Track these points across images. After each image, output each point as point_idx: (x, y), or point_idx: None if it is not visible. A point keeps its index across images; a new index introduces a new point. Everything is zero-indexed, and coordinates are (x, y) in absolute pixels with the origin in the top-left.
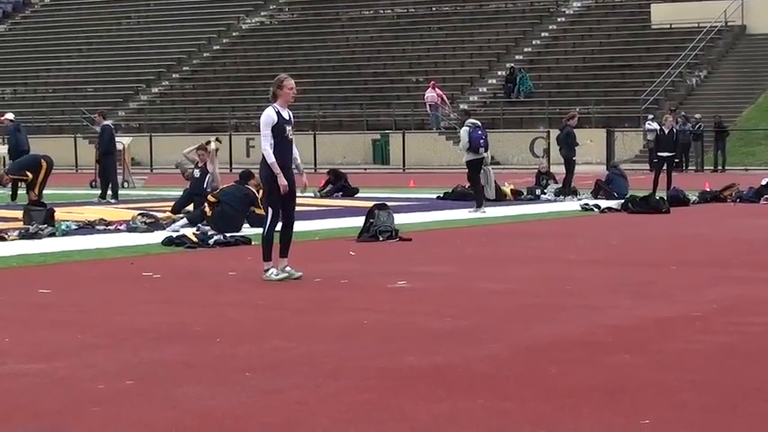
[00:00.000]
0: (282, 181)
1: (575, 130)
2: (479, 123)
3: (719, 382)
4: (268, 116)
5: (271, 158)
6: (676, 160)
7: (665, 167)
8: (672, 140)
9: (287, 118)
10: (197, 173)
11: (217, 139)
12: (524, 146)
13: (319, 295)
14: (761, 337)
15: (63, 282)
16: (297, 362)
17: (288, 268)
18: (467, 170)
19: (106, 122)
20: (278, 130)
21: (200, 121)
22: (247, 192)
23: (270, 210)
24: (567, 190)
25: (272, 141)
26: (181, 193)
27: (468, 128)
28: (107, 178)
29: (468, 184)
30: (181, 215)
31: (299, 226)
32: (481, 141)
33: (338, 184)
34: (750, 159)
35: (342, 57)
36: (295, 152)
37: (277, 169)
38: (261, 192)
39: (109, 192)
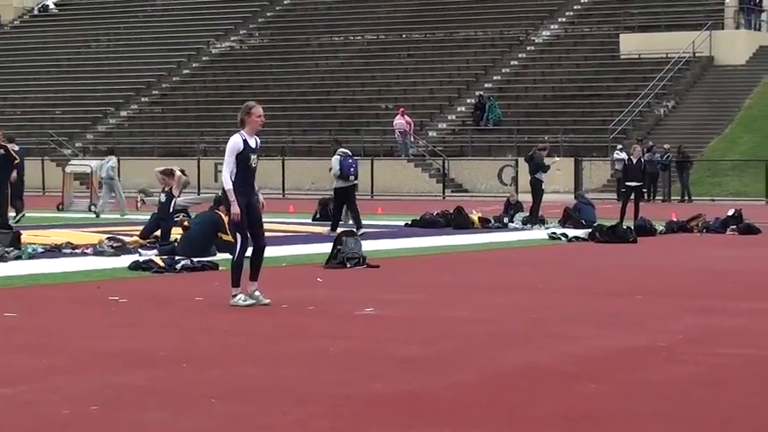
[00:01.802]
0: (235, 209)
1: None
2: (350, 153)
3: (686, 412)
4: (235, 143)
5: (228, 185)
6: (644, 190)
7: (632, 197)
8: (639, 170)
9: (253, 146)
10: (163, 197)
11: (182, 171)
12: (492, 174)
13: (287, 322)
14: (727, 367)
15: (29, 305)
16: (263, 388)
17: (257, 293)
18: (333, 196)
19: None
20: (243, 158)
21: (169, 145)
22: (214, 217)
23: (238, 236)
24: (534, 218)
25: (234, 169)
26: (149, 217)
27: (339, 156)
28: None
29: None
30: (150, 240)
31: (268, 251)
32: (351, 169)
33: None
34: (717, 190)
35: (312, 83)
36: None
37: (232, 196)
38: (227, 218)
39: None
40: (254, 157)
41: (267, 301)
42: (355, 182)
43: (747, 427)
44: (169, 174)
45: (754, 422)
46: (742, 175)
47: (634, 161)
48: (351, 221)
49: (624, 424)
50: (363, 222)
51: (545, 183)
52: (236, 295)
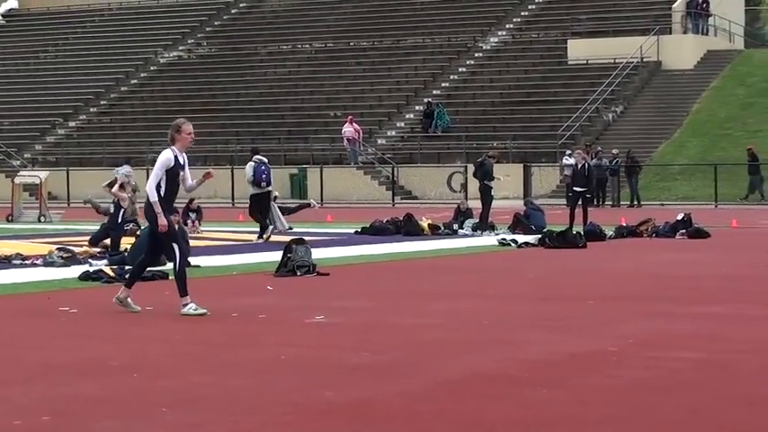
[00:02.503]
0: (162, 220)
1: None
2: (265, 160)
3: (636, 417)
4: (167, 158)
5: (154, 197)
6: (588, 195)
7: (579, 202)
8: (584, 175)
9: (182, 163)
10: (112, 208)
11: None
12: (442, 180)
13: (237, 330)
14: (677, 371)
15: None
16: (214, 397)
17: (129, 300)
18: (249, 204)
19: None
20: (172, 173)
21: (118, 155)
22: None
23: (174, 246)
24: (484, 225)
25: (163, 183)
26: (98, 226)
27: (254, 163)
28: None
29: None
30: (99, 249)
31: (217, 260)
32: (263, 176)
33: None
34: (666, 194)
35: (260, 91)
36: (189, 180)
37: (158, 208)
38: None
39: None
40: (182, 173)
41: (137, 308)
42: (268, 188)
43: (697, 430)
44: (112, 185)
45: (704, 425)
46: (691, 180)
47: (579, 166)
48: (278, 226)
49: (576, 429)
50: (313, 230)
51: (494, 189)
52: (186, 304)
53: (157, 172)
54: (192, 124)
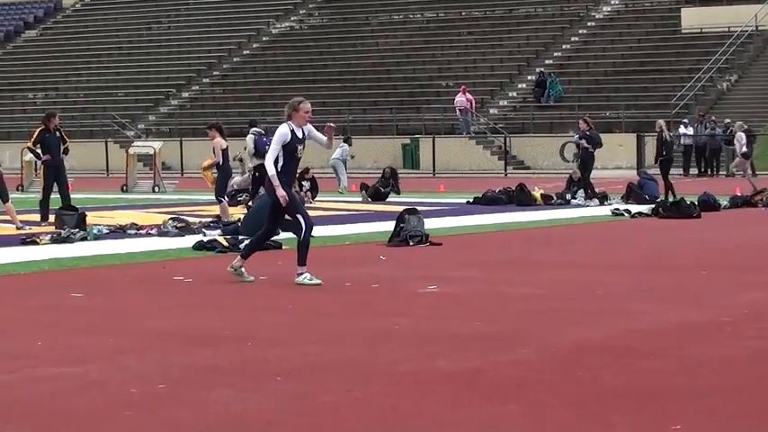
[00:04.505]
0: (281, 192)
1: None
2: (264, 131)
3: (749, 388)
4: (283, 134)
5: (271, 171)
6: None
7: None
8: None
9: (300, 137)
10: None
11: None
12: (554, 150)
13: (350, 300)
14: None
15: (95, 286)
16: (328, 366)
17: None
18: (254, 173)
19: None
20: (289, 148)
21: (231, 126)
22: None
23: (299, 216)
24: (594, 193)
25: (279, 156)
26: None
27: (253, 135)
28: None
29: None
30: (213, 220)
31: (330, 230)
32: (267, 147)
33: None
34: None
35: (372, 61)
36: (323, 138)
37: (276, 181)
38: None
39: None
40: (300, 147)
41: (251, 278)
42: None
43: None
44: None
45: None
46: None
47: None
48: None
49: (688, 400)
50: (426, 200)
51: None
52: (302, 273)
53: (274, 147)
54: (309, 102)
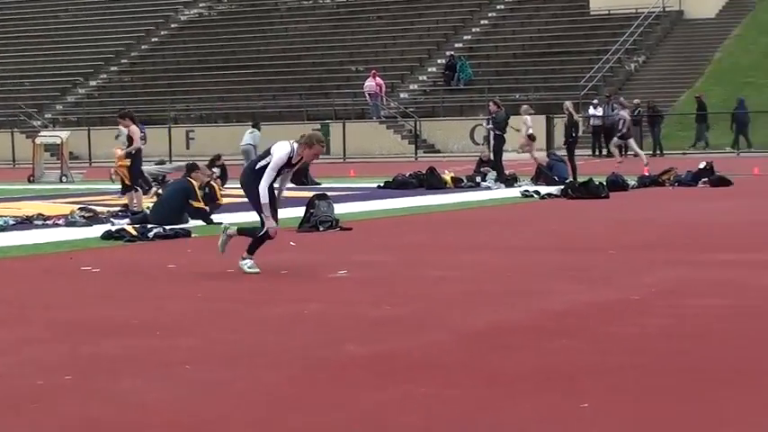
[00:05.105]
0: (271, 223)
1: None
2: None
3: (659, 365)
4: (282, 158)
5: (265, 199)
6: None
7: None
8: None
9: (294, 163)
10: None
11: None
12: (464, 133)
13: (260, 286)
14: (699, 319)
15: (1, 278)
16: (238, 354)
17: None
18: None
19: None
20: (281, 169)
21: (140, 114)
22: (185, 184)
23: (266, 219)
24: (503, 176)
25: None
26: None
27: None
28: None
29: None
30: (120, 209)
31: (239, 217)
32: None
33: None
34: (687, 143)
35: (281, 47)
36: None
37: (267, 211)
38: (199, 186)
39: None
40: (287, 171)
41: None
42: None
43: (721, 377)
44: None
45: (728, 373)
46: (713, 128)
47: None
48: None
49: (598, 378)
50: (336, 185)
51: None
52: (245, 258)
53: (270, 173)
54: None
